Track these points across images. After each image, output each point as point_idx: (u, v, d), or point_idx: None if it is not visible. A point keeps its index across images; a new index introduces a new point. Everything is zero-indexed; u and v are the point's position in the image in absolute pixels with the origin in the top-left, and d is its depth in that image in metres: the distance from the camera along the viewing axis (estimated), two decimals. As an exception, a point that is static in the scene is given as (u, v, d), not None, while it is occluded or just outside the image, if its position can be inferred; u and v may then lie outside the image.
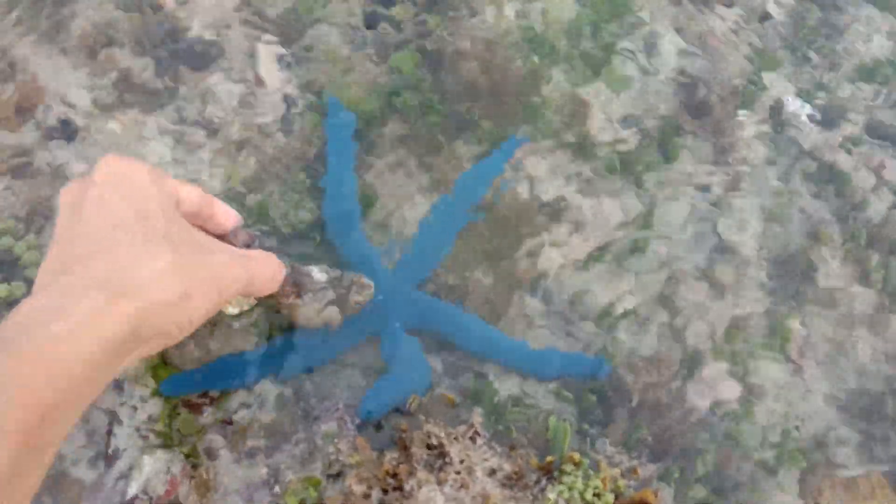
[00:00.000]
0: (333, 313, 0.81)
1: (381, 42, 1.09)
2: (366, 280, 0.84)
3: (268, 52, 1.06)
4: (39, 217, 0.93)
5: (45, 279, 0.55)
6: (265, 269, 0.69)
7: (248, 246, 0.74)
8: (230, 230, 0.73)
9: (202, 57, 1.04)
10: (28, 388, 0.44)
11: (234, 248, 0.68)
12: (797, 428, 0.96)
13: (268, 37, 1.07)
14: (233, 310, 0.76)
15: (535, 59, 1.12)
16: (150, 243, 0.55)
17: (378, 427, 0.86)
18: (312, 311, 0.79)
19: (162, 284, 0.54)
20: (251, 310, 0.82)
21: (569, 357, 0.94)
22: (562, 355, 0.94)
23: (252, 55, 1.06)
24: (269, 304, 0.82)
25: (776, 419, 0.96)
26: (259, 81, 1.04)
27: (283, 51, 1.07)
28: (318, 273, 0.79)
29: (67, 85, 1.00)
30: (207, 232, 0.71)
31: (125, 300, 0.51)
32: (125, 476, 0.84)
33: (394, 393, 0.87)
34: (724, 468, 0.92)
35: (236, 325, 0.91)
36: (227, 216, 0.72)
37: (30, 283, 0.88)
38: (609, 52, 1.15)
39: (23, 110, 0.98)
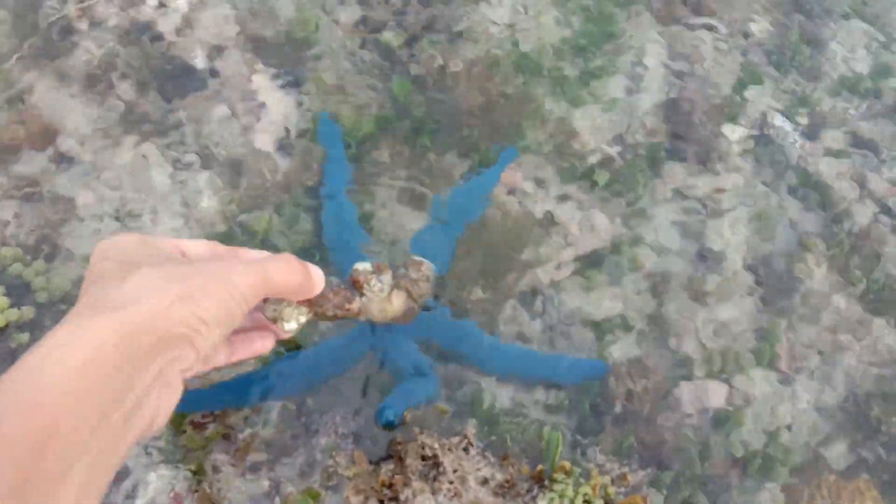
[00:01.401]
0: (402, 299, 0.78)
1: (374, 66, 1.13)
2: (417, 258, 0.82)
3: (266, 79, 1.10)
4: (47, 244, 0.97)
5: None
6: (283, 267, 0.63)
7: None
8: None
9: (201, 84, 1.08)
10: (9, 423, 0.42)
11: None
12: (785, 433, 0.98)
13: (265, 64, 1.11)
14: (290, 325, 0.71)
15: (523, 80, 1.15)
16: (130, 273, 0.53)
17: (389, 426, 0.89)
18: (380, 301, 0.77)
19: (147, 293, 0.51)
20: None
21: (575, 361, 0.98)
22: (569, 360, 0.98)
23: (250, 81, 1.09)
24: (334, 315, 0.80)
25: (764, 425, 0.98)
26: (258, 107, 1.08)
27: (280, 77, 1.11)
28: (360, 264, 0.75)
29: (72, 116, 1.04)
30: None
31: (104, 315, 0.49)
32: (131, 494, 0.87)
33: (408, 401, 0.91)
34: (713, 473, 0.94)
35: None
36: (249, 258, 0.68)
37: (40, 307, 0.92)
38: (596, 73, 1.19)
39: (31, 140, 1.02)
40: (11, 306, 0.90)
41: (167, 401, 0.53)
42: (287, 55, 1.12)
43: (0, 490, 0.41)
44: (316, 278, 0.68)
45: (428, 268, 0.81)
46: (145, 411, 0.51)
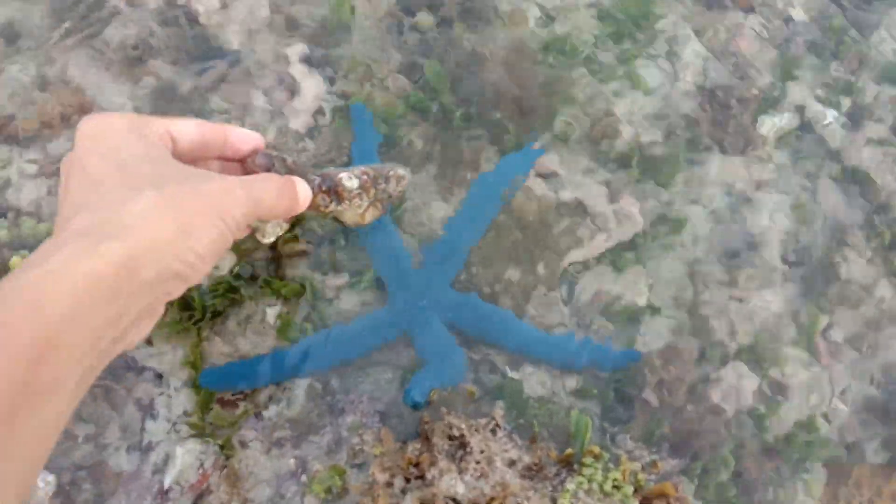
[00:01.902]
0: (376, 214, 0.82)
1: (407, 50, 1.12)
2: (401, 171, 0.85)
3: (299, 62, 1.10)
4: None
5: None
6: (269, 188, 0.63)
7: (267, 170, 0.70)
8: (248, 155, 0.70)
9: (235, 65, 1.09)
10: (9, 329, 0.43)
11: (231, 176, 0.62)
12: (822, 424, 0.96)
13: (300, 45, 1.11)
14: (268, 238, 0.73)
15: (557, 65, 1.14)
16: (132, 189, 0.53)
17: (416, 407, 0.89)
18: (355, 215, 0.80)
19: (150, 223, 0.52)
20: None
21: (607, 349, 0.97)
22: (601, 347, 0.97)
23: (284, 64, 1.10)
24: (311, 216, 0.81)
25: (800, 415, 0.96)
26: (290, 89, 1.08)
27: (313, 61, 1.11)
28: (348, 180, 0.77)
29: (109, 95, 1.05)
30: (227, 160, 0.69)
31: (109, 242, 0.49)
32: (160, 470, 0.87)
33: (435, 382, 0.90)
34: (747, 464, 0.92)
35: (271, 321, 0.94)
36: (244, 139, 0.68)
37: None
38: (632, 59, 1.17)
39: (66, 118, 1.03)
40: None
41: (149, 325, 0.56)
42: (321, 38, 1.12)
43: None
44: (303, 200, 0.69)
45: (405, 183, 0.86)
46: (131, 336, 0.53)
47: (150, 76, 1.06)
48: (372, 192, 0.80)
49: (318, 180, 0.74)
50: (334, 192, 0.76)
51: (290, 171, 0.71)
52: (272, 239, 0.73)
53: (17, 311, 0.44)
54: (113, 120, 0.58)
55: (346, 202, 0.77)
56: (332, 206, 0.76)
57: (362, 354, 0.93)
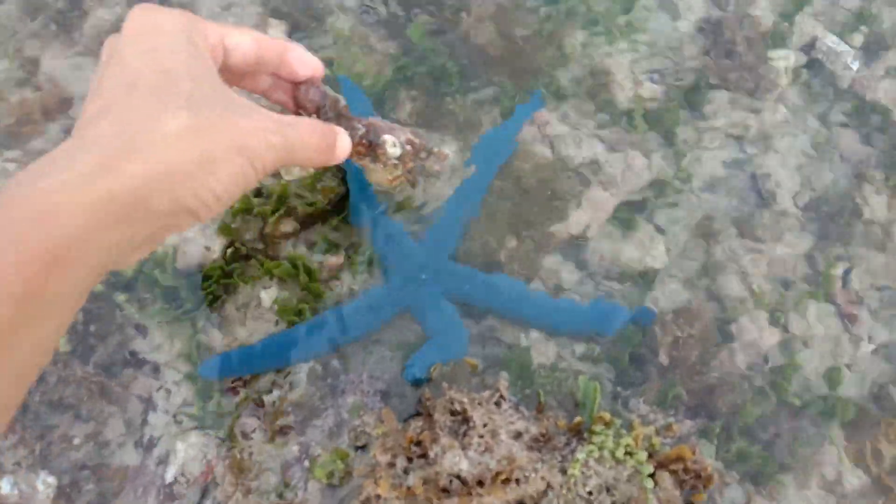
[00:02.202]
0: (401, 185, 0.78)
1: (392, 14, 1.08)
2: (446, 150, 0.81)
3: (280, 34, 1.06)
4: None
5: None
6: (309, 138, 0.58)
7: (317, 108, 0.66)
8: (303, 83, 0.65)
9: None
10: (21, 236, 0.41)
11: (272, 114, 0.57)
12: (845, 375, 0.91)
13: (278, 19, 1.07)
14: (289, 176, 0.69)
15: (550, 18, 1.09)
16: (166, 104, 0.49)
17: (417, 383, 0.86)
18: (383, 178, 0.75)
19: (176, 147, 0.48)
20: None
21: (618, 309, 0.93)
22: (612, 308, 0.93)
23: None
24: None
25: (821, 368, 0.91)
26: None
27: (294, 32, 1.07)
28: (391, 147, 0.71)
29: (85, 85, 1.02)
30: (281, 78, 0.64)
31: (130, 159, 0.46)
32: (164, 461, 0.86)
33: (436, 357, 0.88)
34: (768, 422, 0.88)
35: (266, 304, 0.92)
36: (303, 63, 0.63)
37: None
38: (630, 4, 1.11)
39: (47, 112, 1.01)
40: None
41: (147, 251, 0.53)
42: (301, 9, 1.08)
43: (5, 291, 0.41)
44: (340, 155, 0.63)
45: (446, 162, 0.81)
46: (129, 259, 0.51)
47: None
48: (410, 164, 0.74)
49: (361, 131, 0.68)
50: (373, 148, 0.70)
51: (339, 115, 0.66)
52: (292, 177, 0.67)
53: (29, 221, 0.42)
54: (165, 18, 0.53)
55: (381, 164, 0.72)
56: (366, 161, 0.71)
57: (363, 334, 0.90)
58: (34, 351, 0.45)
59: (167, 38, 0.52)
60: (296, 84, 0.65)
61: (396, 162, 0.72)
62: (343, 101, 0.66)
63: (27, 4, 1.05)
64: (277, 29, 1.07)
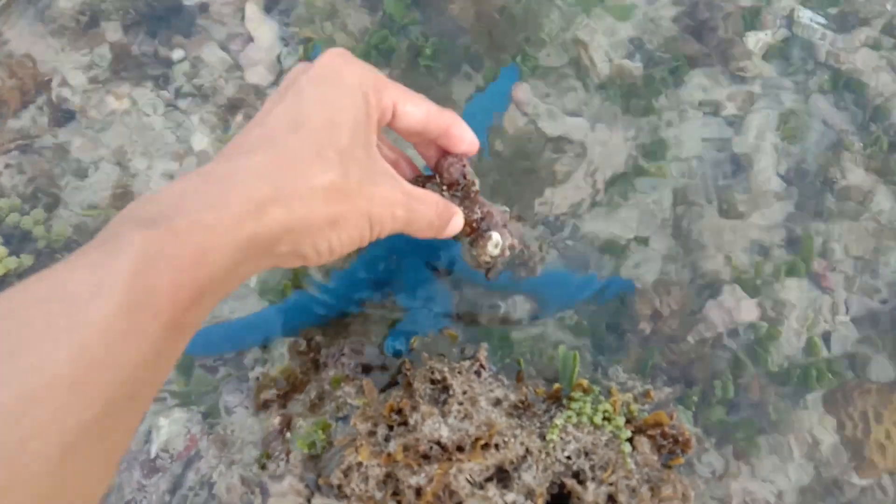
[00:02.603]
0: (489, 271, 0.76)
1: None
2: (544, 254, 0.83)
3: (256, 10, 1.06)
4: (44, 193, 0.95)
5: (217, 159, 0.52)
6: (427, 214, 0.61)
7: (451, 183, 0.67)
8: (453, 155, 0.66)
9: (190, 22, 1.04)
10: (179, 269, 0.43)
11: (405, 184, 0.60)
12: (823, 345, 0.92)
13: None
14: None
15: (526, -8, 1.09)
16: (320, 157, 0.51)
17: (397, 355, 0.86)
18: (468, 258, 0.74)
19: (317, 203, 0.50)
20: None
21: (594, 281, 0.93)
22: (595, 280, 0.93)
23: (240, 14, 1.05)
24: None
25: (799, 337, 0.92)
26: (247, 40, 1.04)
27: (270, 8, 1.06)
28: (493, 247, 0.70)
29: (61, 64, 1.02)
30: (438, 145, 0.66)
31: (277, 209, 0.48)
32: (147, 438, 0.86)
33: (416, 328, 0.88)
34: (746, 390, 0.89)
35: (252, 284, 0.92)
36: (461, 141, 0.65)
37: (39, 254, 0.91)
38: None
39: (23, 93, 1.00)
40: (10, 255, 0.89)
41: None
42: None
43: (158, 321, 0.42)
44: (449, 234, 0.66)
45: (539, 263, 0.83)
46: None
47: (103, 42, 1.03)
48: (498, 264, 0.74)
49: (477, 216, 0.69)
50: (479, 234, 0.70)
51: (466, 196, 0.68)
52: None
53: (188, 257, 0.44)
54: (350, 71, 0.56)
55: (475, 250, 0.71)
56: (464, 240, 0.72)
57: (347, 309, 0.91)
58: (165, 373, 0.46)
59: (343, 91, 0.54)
60: (445, 152, 0.67)
61: (489, 259, 0.72)
62: (476, 186, 0.68)
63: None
64: (253, 2, 1.06)
